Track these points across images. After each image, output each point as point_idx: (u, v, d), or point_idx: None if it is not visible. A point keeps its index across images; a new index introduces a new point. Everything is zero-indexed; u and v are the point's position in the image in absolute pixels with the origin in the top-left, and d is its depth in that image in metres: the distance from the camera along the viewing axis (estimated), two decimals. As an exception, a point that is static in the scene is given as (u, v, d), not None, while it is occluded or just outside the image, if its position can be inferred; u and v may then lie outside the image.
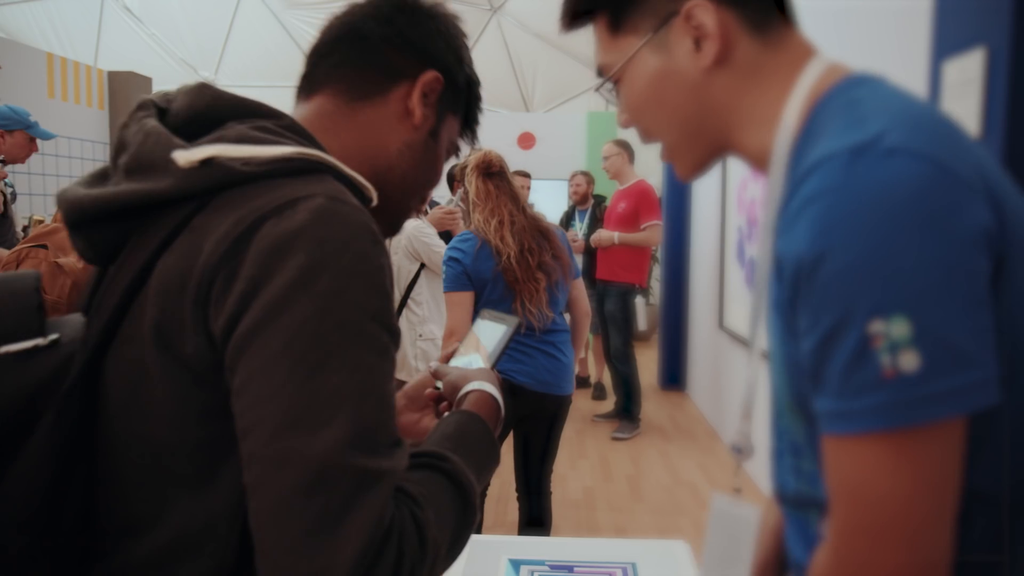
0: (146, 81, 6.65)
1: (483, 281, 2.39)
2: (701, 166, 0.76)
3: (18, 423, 0.64)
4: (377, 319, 0.63)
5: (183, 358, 0.63)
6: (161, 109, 0.73)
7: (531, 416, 2.58)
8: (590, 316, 2.75)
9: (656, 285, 6.85)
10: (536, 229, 2.46)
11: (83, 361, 0.66)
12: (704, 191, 5.47)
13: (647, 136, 0.77)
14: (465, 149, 0.97)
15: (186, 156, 0.64)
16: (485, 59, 8.76)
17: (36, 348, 0.65)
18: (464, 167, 2.56)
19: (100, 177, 0.71)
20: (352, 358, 0.61)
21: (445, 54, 0.85)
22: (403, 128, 0.83)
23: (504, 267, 2.36)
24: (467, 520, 0.71)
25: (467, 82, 0.89)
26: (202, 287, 0.61)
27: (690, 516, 3.65)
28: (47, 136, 3.42)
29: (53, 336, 0.67)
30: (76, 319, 0.71)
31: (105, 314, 0.66)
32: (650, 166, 6.56)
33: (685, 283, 6.00)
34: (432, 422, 0.97)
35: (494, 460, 0.83)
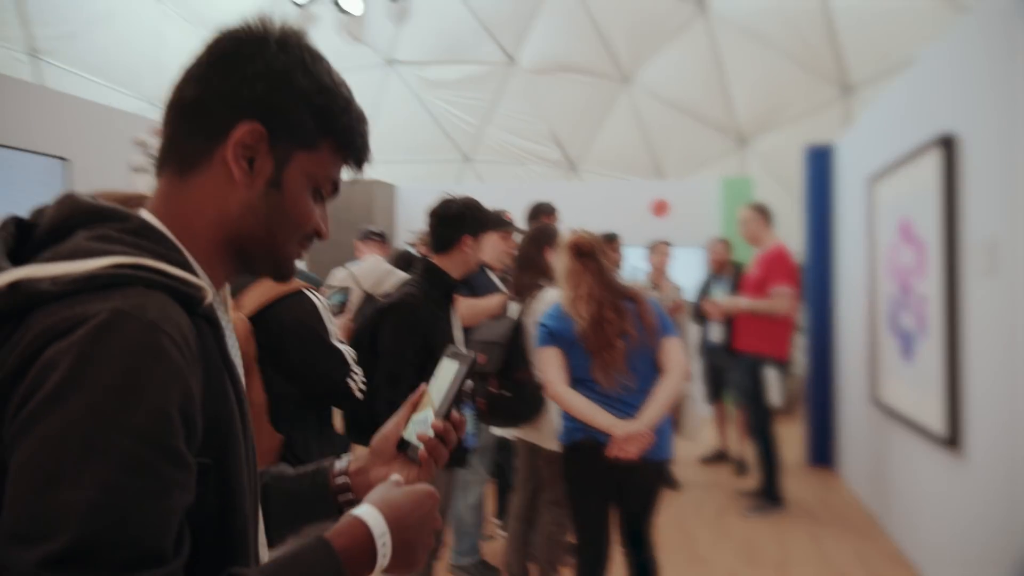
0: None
1: (565, 342, 2.65)
2: None
3: None
4: (140, 437, 0.62)
5: (4, 468, 0.64)
6: (30, 224, 0.76)
7: (626, 481, 2.63)
8: (680, 374, 2.69)
9: (801, 356, 6.50)
10: (621, 298, 2.68)
11: None
12: (850, 256, 5.20)
13: None
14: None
15: None
16: (616, 129, 8.90)
17: None
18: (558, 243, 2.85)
19: None
20: (94, 475, 0.60)
21: (267, 95, 0.79)
22: (234, 190, 0.80)
23: (581, 335, 2.61)
24: None
25: (316, 111, 0.82)
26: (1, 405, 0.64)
27: (846, 609, 3.34)
28: None
29: None
30: None
31: None
32: (791, 229, 6.34)
33: (832, 354, 5.66)
34: (404, 475, 0.94)
35: None
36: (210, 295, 0.74)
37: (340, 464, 1.01)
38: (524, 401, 2.94)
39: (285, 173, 0.82)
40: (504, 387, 2.90)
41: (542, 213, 4.33)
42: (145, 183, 4.52)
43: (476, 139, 9.29)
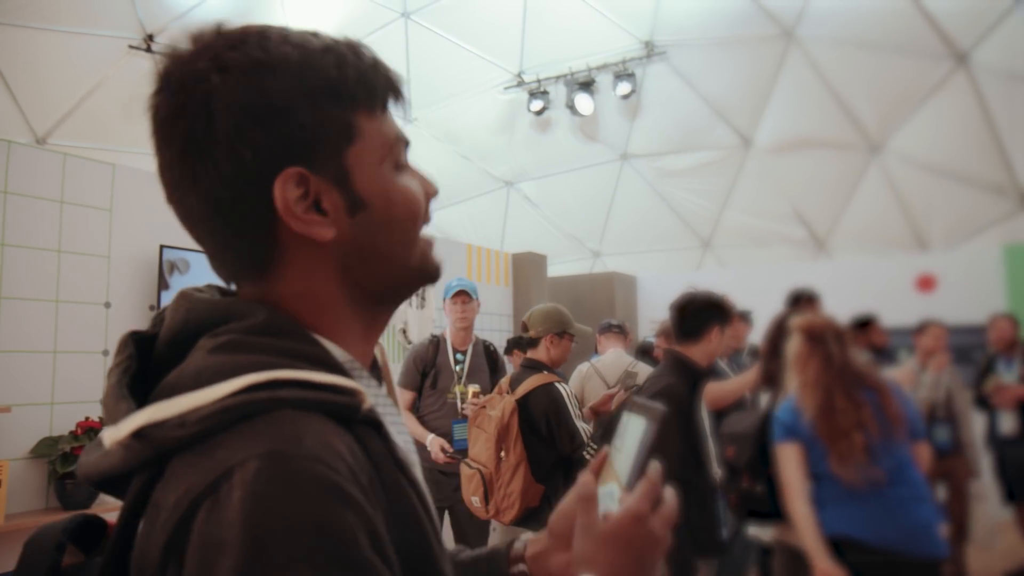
0: (542, 259, 7.48)
1: (803, 436, 2.49)
2: None
3: None
4: None
5: None
6: (152, 335, 0.65)
7: None
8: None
9: None
10: (858, 386, 2.47)
11: None
12: None
13: None
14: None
15: (111, 436, 0.56)
16: (868, 201, 8.32)
17: None
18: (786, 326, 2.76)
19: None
20: None
21: (267, 136, 0.60)
22: (325, 246, 0.64)
23: (811, 425, 2.45)
24: None
25: (317, 98, 0.61)
26: None
27: None
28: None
29: None
30: None
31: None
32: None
33: None
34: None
35: None
36: (367, 400, 0.60)
37: (517, 548, 0.88)
38: (778, 496, 2.77)
39: (353, 185, 0.64)
40: (756, 482, 2.77)
41: (803, 300, 4.10)
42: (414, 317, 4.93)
43: (715, 224, 9.14)
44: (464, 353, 3.93)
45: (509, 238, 9.56)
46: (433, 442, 3.67)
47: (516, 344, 5.95)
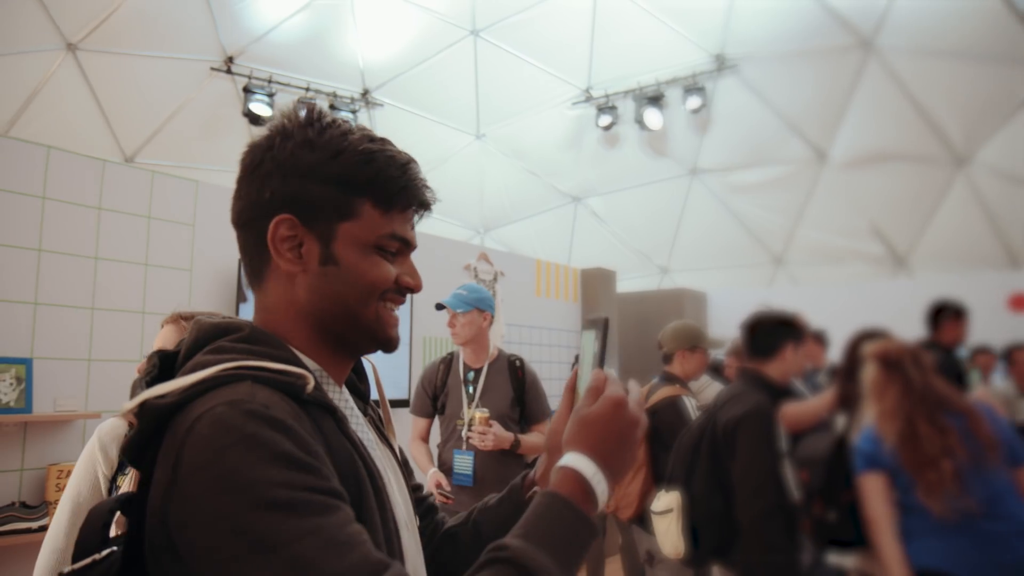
0: (611, 274, 7.43)
1: (887, 465, 2.39)
2: None
3: None
4: (288, 485, 0.66)
5: (168, 570, 0.71)
6: (176, 352, 0.86)
7: None
8: None
9: None
10: (941, 412, 2.35)
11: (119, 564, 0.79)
12: None
13: None
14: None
15: (124, 406, 0.76)
16: (952, 216, 7.97)
17: (93, 562, 0.80)
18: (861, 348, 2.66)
19: None
20: (275, 531, 0.64)
21: (282, 186, 0.84)
22: (295, 281, 0.85)
23: (892, 453, 2.35)
24: None
25: (335, 179, 0.84)
26: (165, 513, 0.69)
27: None
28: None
29: (109, 550, 0.81)
30: None
31: (132, 524, 0.78)
32: None
33: None
34: None
35: (582, 530, 0.76)
36: (312, 382, 0.78)
37: (529, 475, 1.05)
38: (855, 524, 2.65)
39: (334, 247, 0.85)
40: (828, 508, 2.66)
41: (947, 315, 3.77)
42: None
43: (787, 240, 8.91)
44: (477, 372, 3.32)
45: (576, 253, 9.53)
46: (432, 476, 3.21)
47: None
